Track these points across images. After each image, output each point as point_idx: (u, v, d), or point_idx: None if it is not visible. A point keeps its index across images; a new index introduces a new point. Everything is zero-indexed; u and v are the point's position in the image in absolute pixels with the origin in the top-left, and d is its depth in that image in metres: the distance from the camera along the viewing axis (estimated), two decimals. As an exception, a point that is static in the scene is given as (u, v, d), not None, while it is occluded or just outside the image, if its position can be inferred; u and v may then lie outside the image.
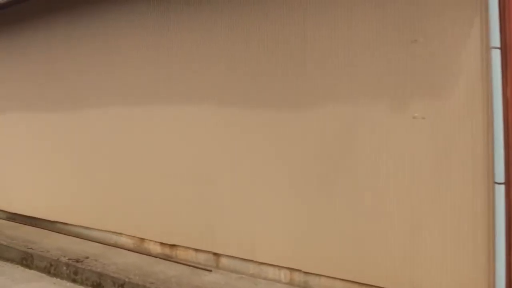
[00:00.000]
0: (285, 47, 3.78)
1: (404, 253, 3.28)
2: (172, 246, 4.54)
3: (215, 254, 4.25)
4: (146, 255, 4.67)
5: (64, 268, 4.51)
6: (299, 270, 3.76)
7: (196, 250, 4.38)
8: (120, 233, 4.95)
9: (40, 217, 5.77)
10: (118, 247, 4.93)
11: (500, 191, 2.93)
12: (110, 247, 4.95)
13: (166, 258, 4.54)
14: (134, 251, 4.78)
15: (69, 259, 4.57)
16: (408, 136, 3.29)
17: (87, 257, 4.62)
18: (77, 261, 4.52)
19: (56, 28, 5.61)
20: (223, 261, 4.21)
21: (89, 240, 5.19)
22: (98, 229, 5.15)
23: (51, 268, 4.64)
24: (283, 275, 3.85)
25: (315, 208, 3.66)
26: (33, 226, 5.86)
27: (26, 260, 4.88)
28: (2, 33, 6.33)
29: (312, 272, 3.70)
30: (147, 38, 4.69)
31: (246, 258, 4.04)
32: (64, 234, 5.44)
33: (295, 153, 3.75)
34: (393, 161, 3.33)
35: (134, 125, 4.79)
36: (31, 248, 4.96)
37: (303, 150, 3.72)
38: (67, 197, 5.46)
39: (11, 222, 6.12)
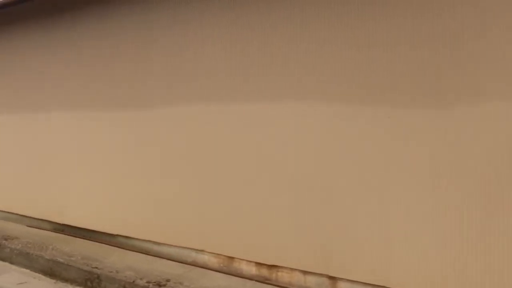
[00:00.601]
0: (433, 43, 3.10)
1: None
2: (272, 266, 3.82)
3: (331, 277, 3.53)
4: (238, 277, 3.94)
5: (143, 293, 3.80)
6: (452, 301, 3.05)
7: (305, 272, 3.65)
8: (202, 250, 4.22)
9: (97, 230, 5.05)
10: (199, 267, 4.20)
11: None
12: (190, 266, 4.21)
13: (265, 281, 3.81)
14: (221, 272, 4.05)
15: (147, 282, 3.84)
16: None
17: (168, 280, 3.89)
18: (159, 285, 3.79)
19: (118, 26, 4.96)
20: (342, 286, 3.49)
21: (161, 257, 4.45)
22: (172, 245, 4.42)
23: (125, 292, 3.92)
24: (429, 306, 3.14)
25: (475, 231, 2.93)
26: (87, 239, 5.14)
27: (92, 281, 4.15)
28: (59, 28, 5.65)
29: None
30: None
31: (376, 283, 3.32)
32: (129, 250, 4.71)
33: (447, 162, 3.04)
34: None
35: (222, 125, 4.07)
36: (96, 267, 4.23)
37: (459, 158, 2.99)
38: (132, 206, 4.73)
39: (60, 235, 5.38)
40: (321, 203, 3.54)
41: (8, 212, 6.18)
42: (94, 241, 5.03)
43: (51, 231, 5.55)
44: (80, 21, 5.29)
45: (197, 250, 4.25)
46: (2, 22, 6.24)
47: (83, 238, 5.15)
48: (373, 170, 3.31)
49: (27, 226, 5.85)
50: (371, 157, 3.32)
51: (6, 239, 5.27)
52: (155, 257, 4.47)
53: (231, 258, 4.04)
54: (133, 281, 3.87)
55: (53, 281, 4.39)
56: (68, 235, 5.33)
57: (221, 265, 4.10)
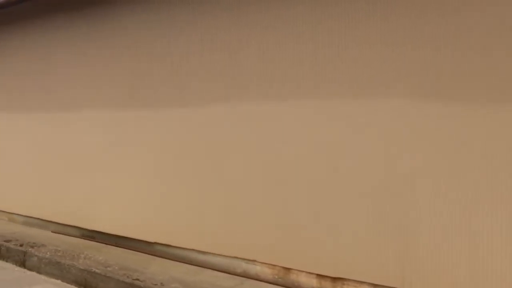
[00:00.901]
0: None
1: None
2: (336, 279, 3.47)
3: (406, 292, 3.20)
4: (296, 290, 3.62)
5: (195, 309, 3.46)
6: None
7: (375, 285, 3.30)
8: (253, 260, 3.87)
9: (133, 237, 4.71)
10: (250, 278, 3.86)
11: None
12: (241, 278, 3.86)
13: (329, 295, 3.48)
14: (277, 284, 3.71)
15: (198, 296, 3.52)
16: None
17: (220, 294, 3.57)
18: (212, 299, 3.47)
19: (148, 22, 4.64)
20: (421, 302, 3.15)
21: (206, 267, 4.10)
22: (218, 254, 4.08)
23: (173, 308, 3.58)
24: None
25: None
26: (119, 247, 4.79)
27: (133, 295, 3.82)
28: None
29: None
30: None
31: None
32: (169, 259, 4.37)
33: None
34: None
35: (271, 124, 3.76)
36: (137, 279, 3.87)
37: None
38: (173, 212, 4.38)
39: (90, 242, 5.04)
40: (393, 207, 3.20)
41: (30, 217, 5.85)
42: (129, 249, 4.69)
43: (80, 237, 5.20)
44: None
45: (247, 260, 3.91)
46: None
47: (116, 246, 4.81)
48: (456, 175, 2.97)
49: (52, 232, 5.52)
50: (448, 153, 2.98)
51: (32, 247, 4.92)
52: (200, 268, 4.12)
53: (288, 269, 3.70)
54: (182, 295, 3.54)
55: (89, 293, 4.05)
56: (99, 242, 4.99)
57: (276, 276, 3.75)
